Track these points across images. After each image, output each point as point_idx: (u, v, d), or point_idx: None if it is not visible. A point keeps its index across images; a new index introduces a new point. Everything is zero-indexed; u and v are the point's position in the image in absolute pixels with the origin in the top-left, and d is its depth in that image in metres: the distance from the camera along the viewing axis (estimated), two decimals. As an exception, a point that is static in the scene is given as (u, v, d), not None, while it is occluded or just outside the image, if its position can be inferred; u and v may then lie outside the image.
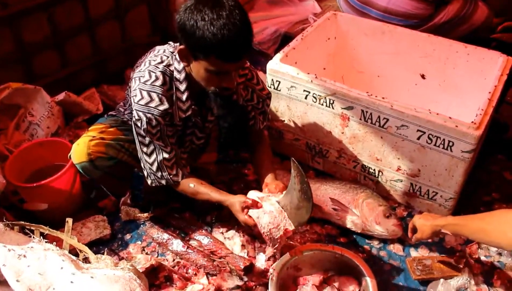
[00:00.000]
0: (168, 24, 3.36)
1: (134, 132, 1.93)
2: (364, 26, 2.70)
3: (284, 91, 2.33)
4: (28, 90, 2.57)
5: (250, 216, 1.89)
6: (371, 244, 2.20)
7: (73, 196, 2.31)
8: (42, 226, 1.92)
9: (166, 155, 1.94)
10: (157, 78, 1.85)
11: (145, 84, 1.85)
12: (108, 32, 3.00)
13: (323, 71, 2.70)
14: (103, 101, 2.94)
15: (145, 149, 1.94)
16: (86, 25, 2.86)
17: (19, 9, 2.51)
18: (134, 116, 1.87)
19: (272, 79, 2.33)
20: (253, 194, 1.96)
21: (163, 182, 2.00)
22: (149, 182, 2.03)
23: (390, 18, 2.79)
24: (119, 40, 3.09)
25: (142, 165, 2.01)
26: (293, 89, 2.30)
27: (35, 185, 2.14)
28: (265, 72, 2.37)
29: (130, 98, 1.94)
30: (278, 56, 2.36)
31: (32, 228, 1.90)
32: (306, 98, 2.28)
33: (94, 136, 2.01)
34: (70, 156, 2.06)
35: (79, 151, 1.99)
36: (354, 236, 2.22)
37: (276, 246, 1.91)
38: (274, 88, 2.36)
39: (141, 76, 1.87)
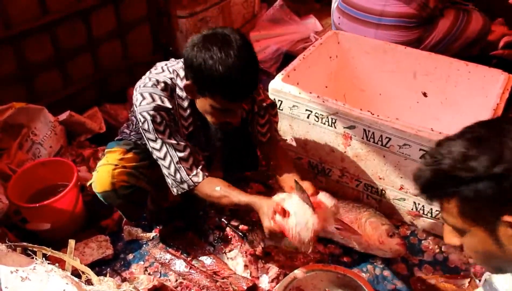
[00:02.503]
0: (170, 42, 3.38)
1: (145, 138, 1.89)
2: (365, 44, 2.72)
3: (286, 110, 2.34)
4: (31, 110, 2.58)
5: (276, 222, 1.75)
6: (375, 263, 2.18)
7: (75, 215, 2.30)
8: (45, 247, 1.90)
9: (180, 154, 1.85)
10: (158, 83, 1.85)
11: (146, 87, 1.84)
12: (110, 51, 3.02)
13: (325, 89, 2.71)
14: (106, 120, 2.95)
15: (158, 153, 1.88)
16: (89, 44, 2.88)
17: (23, 29, 2.52)
18: (140, 120, 1.84)
19: (274, 99, 2.33)
20: (276, 198, 1.83)
21: (185, 186, 1.89)
22: (174, 192, 1.94)
23: None
24: (121, 59, 3.11)
25: (164, 174, 1.93)
26: (295, 109, 2.30)
27: (38, 205, 2.14)
28: (267, 90, 2.38)
29: (135, 117, 1.93)
30: (280, 75, 2.37)
31: (34, 249, 1.89)
32: (308, 117, 2.29)
33: (116, 165, 1.97)
34: (91, 184, 2.03)
35: (103, 180, 1.96)
36: (357, 256, 2.21)
37: (309, 249, 1.76)
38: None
39: (142, 83, 1.87)
